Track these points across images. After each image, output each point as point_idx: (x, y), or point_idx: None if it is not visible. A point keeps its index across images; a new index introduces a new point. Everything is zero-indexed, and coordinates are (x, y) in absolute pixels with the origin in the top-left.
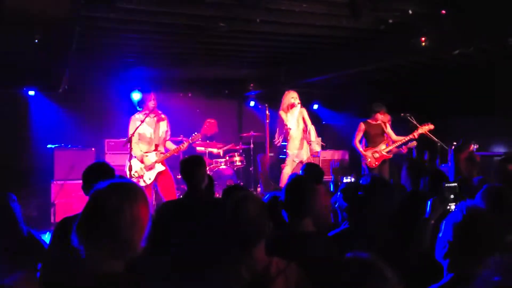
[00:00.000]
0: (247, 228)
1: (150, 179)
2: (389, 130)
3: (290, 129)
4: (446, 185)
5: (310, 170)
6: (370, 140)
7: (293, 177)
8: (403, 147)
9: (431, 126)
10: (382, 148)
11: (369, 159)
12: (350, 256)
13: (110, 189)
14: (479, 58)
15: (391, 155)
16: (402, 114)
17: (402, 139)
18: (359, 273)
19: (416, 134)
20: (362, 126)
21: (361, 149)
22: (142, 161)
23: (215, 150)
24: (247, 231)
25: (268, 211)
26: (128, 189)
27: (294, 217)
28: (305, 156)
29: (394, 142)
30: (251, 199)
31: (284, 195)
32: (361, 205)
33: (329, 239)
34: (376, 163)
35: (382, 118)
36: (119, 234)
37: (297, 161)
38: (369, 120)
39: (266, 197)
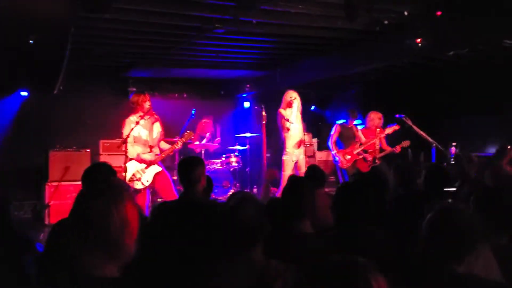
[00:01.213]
0: (245, 229)
1: (147, 181)
2: (359, 133)
3: (291, 122)
4: (445, 189)
5: (314, 172)
6: (343, 142)
7: (291, 179)
8: (396, 146)
9: (396, 127)
10: (355, 150)
11: (341, 160)
12: (337, 259)
13: (96, 192)
14: (476, 58)
15: (361, 157)
16: (397, 115)
17: (369, 141)
18: (345, 276)
19: (382, 135)
20: (337, 128)
21: (334, 151)
22: (141, 160)
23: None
24: (245, 233)
25: (266, 212)
26: (115, 191)
27: (293, 218)
28: (301, 156)
29: (363, 144)
30: (250, 200)
31: (282, 197)
32: (353, 204)
33: (328, 240)
34: (348, 164)
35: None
36: (110, 238)
37: (295, 160)
38: (344, 124)
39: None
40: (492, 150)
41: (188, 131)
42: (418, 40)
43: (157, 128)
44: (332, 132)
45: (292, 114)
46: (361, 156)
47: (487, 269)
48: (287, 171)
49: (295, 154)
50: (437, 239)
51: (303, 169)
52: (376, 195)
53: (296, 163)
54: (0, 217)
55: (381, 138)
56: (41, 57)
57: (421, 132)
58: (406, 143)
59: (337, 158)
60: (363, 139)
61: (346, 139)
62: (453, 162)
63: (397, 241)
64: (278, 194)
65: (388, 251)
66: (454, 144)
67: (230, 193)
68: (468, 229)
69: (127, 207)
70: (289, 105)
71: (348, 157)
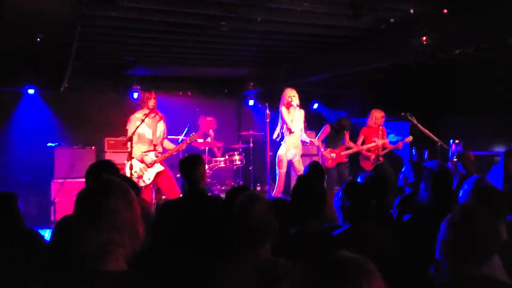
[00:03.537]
0: (253, 228)
1: (149, 179)
2: (347, 136)
3: (293, 132)
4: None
5: (315, 169)
6: (330, 143)
7: (303, 178)
8: (399, 143)
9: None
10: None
11: (326, 159)
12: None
13: (105, 186)
14: (480, 57)
15: (347, 160)
16: (402, 114)
17: (354, 146)
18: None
19: (364, 148)
20: (327, 128)
21: (322, 149)
22: (142, 161)
23: (216, 149)
24: (253, 231)
25: (274, 211)
26: (121, 186)
27: (304, 217)
28: (296, 158)
29: (351, 148)
30: (258, 199)
31: (294, 196)
32: (361, 204)
33: (337, 240)
34: (332, 163)
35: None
36: (119, 231)
37: (289, 158)
38: (334, 125)
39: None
40: (497, 149)
41: (193, 133)
42: (424, 38)
43: (161, 126)
44: (321, 132)
45: (294, 120)
46: (347, 159)
47: (492, 268)
48: (283, 168)
49: (290, 152)
50: (458, 241)
51: (299, 172)
52: (380, 194)
53: (290, 162)
54: (7, 212)
55: (383, 136)
56: (48, 55)
57: (426, 131)
58: (408, 139)
59: (322, 157)
60: (347, 141)
61: (333, 141)
62: (455, 159)
63: (402, 241)
64: (276, 192)
65: (392, 250)
66: (456, 141)
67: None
68: (491, 232)
69: (135, 200)
70: (288, 104)
71: (333, 155)
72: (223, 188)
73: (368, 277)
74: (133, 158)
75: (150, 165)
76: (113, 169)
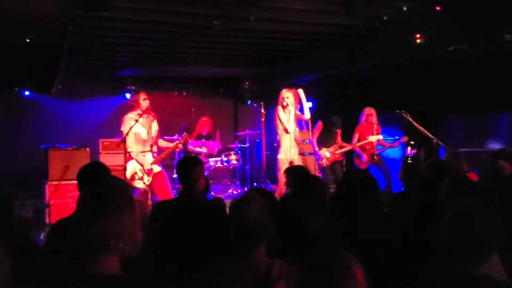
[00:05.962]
0: (248, 228)
1: (148, 180)
2: (339, 134)
3: (289, 132)
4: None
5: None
6: (324, 140)
7: (315, 180)
8: (395, 142)
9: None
10: (337, 150)
11: (321, 158)
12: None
13: (107, 188)
14: (475, 54)
15: (341, 158)
16: (397, 111)
17: (347, 145)
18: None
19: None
20: (320, 124)
21: (316, 148)
22: (142, 164)
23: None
24: (248, 232)
25: (271, 211)
26: (123, 189)
27: (314, 216)
28: (295, 156)
29: (343, 147)
30: (254, 199)
31: (296, 195)
32: (352, 202)
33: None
34: (327, 163)
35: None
36: (120, 234)
37: (290, 160)
38: (326, 122)
39: None
40: (492, 146)
41: (185, 133)
42: (418, 35)
43: (155, 126)
44: (314, 129)
45: (290, 120)
46: (341, 158)
47: (491, 267)
48: (283, 170)
49: (289, 153)
50: (456, 241)
51: None
52: (373, 192)
53: (291, 162)
54: (3, 216)
55: (377, 134)
56: (39, 56)
57: (421, 128)
58: (404, 139)
59: (317, 156)
60: (339, 140)
61: (325, 139)
62: (410, 161)
63: (398, 238)
64: (277, 194)
65: (387, 248)
66: (412, 143)
67: (230, 191)
68: (490, 232)
69: (135, 204)
70: (284, 108)
71: (328, 154)
72: (219, 188)
73: (357, 269)
74: (130, 159)
75: (149, 169)
76: (104, 171)
